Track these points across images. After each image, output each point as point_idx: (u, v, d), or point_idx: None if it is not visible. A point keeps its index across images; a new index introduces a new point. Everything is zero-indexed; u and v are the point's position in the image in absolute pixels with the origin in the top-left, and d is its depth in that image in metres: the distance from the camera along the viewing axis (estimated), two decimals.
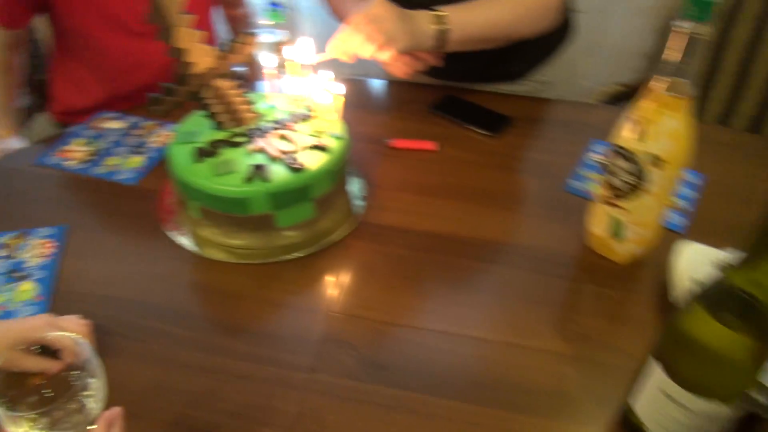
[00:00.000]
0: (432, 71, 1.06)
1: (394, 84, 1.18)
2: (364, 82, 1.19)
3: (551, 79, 1.22)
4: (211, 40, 1.27)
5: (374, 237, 0.84)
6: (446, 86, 1.19)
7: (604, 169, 0.75)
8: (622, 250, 0.78)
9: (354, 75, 1.17)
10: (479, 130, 1.05)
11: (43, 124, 1.83)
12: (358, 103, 1.13)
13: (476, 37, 0.99)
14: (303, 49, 0.85)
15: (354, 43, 0.89)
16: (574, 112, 1.12)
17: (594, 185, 0.83)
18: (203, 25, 1.24)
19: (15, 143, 1.12)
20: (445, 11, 0.96)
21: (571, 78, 1.32)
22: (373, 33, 0.87)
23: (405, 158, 0.99)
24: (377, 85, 1.19)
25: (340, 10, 1.13)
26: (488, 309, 0.74)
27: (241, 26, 0.95)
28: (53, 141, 1.01)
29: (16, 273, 0.75)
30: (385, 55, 0.90)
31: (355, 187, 0.91)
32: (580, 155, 0.99)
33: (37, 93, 1.37)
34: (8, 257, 0.77)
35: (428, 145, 1.01)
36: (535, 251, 0.82)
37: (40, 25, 1.32)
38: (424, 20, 0.94)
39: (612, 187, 0.75)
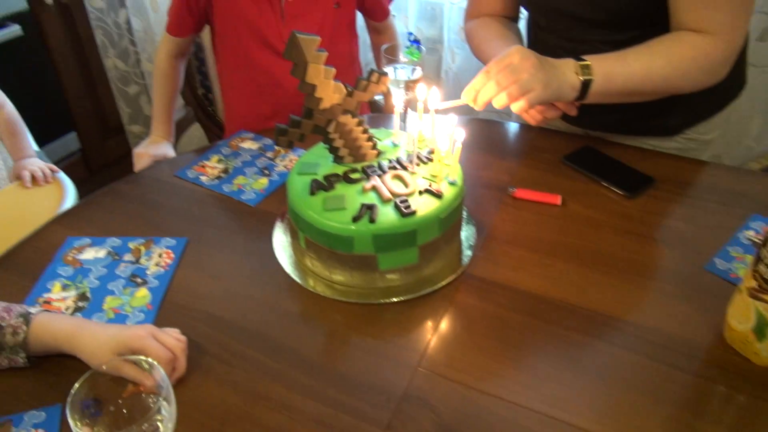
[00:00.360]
0: (571, 118, 0.99)
1: (528, 128, 1.13)
2: (497, 123, 1.15)
3: (710, 137, 1.10)
4: (348, 70, 1.31)
5: (478, 291, 0.79)
6: (585, 136, 1.12)
7: (758, 252, 0.65)
8: (765, 352, 0.67)
9: (486, 116, 1.14)
10: (614, 189, 0.96)
11: (193, 135, 2.01)
12: (486, 145, 1.09)
13: (622, 90, 0.91)
14: (433, 92, 0.84)
15: (487, 91, 0.86)
16: (732, 179, 1.00)
17: (743, 269, 0.72)
18: (341, 57, 1.27)
19: (168, 150, 1.23)
20: (590, 60, 0.89)
21: (736, 139, 1.18)
22: (508, 84, 0.84)
23: (526, 209, 0.93)
24: (510, 127, 1.15)
25: (483, 51, 1.10)
26: (592, 394, 0.67)
27: (388, 57, 0.95)
28: (196, 155, 1.08)
29: (137, 278, 0.81)
30: (518, 107, 0.86)
31: (467, 233, 0.88)
32: (731, 230, 0.87)
33: (195, 105, 1.50)
34: (133, 262, 0.84)
35: (553, 198, 0.94)
36: (658, 335, 0.72)
37: (206, 42, 1.45)
38: (567, 70, 0.89)
39: (763, 277, 0.64)
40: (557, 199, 0.94)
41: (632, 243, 0.87)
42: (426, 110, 0.85)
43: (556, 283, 0.80)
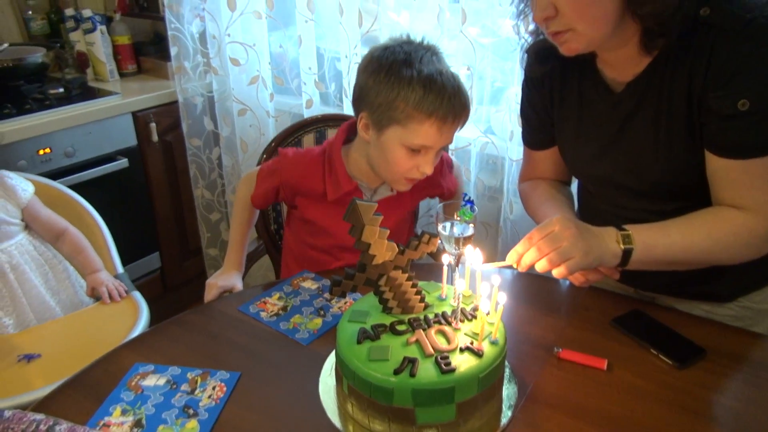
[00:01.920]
0: (623, 277, 1.02)
1: (576, 286, 1.15)
2: (546, 279, 1.18)
3: (766, 307, 1.08)
4: (402, 234, 1.39)
5: None
6: (634, 298, 1.13)
7: None
8: None
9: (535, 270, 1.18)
10: (663, 357, 0.95)
11: (262, 269, 2.13)
12: (533, 301, 1.12)
13: (663, 260, 0.94)
14: (479, 253, 0.90)
15: (529, 256, 0.91)
16: None
17: None
18: (399, 235, 1.34)
19: (236, 282, 1.33)
20: (631, 230, 0.93)
21: None
22: (549, 251, 0.89)
23: (570, 371, 0.93)
24: (558, 284, 1.17)
25: (535, 212, 1.17)
26: None
27: (444, 214, 1.03)
28: (261, 290, 1.17)
29: (189, 409, 0.86)
30: (558, 272, 0.90)
31: (509, 392, 0.89)
32: None
33: (266, 239, 1.62)
34: (189, 393, 0.89)
35: (598, 362, 0.94)
36: None
37: None
38: (608, 238, 0.93)
39: None
40: (603, 364, 0.94)
41: (680, 418, 0.84)
42: (472, 269, 0.90)
43: None
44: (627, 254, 0.92)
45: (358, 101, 1.19)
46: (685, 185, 0.99)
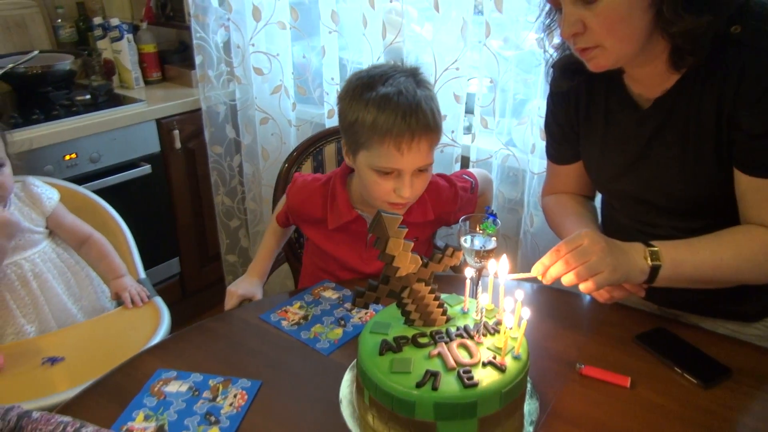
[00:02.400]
0: (648, 294, 1.01)
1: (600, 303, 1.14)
2: (569, 294, 1.17)
3: None
4: (427, 248, 1.38)
5: None
6: (659, 315, 1.12)
7: None
8: None
9: (558, 285, 1.17)
10: (688, 376, 0.94)
11: (280, 276, 2.14)
12: (556, 316, 1.11)
13: (691, 278, 0.93)
14: (502, 262, 0.89)
15: (557, 269, 0.90)
16: None
17: None
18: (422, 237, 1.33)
19: (256, 291, 1.34)
20: (659, 246, 0.93)
21: None
22: (577, 264, 0.88)
23: (592, 388, 0.93)
24: (582, 299, 1.16)
25: (558, 226, 1.16)
26: None
27: (466, 227, 1.03)
28: (282, 299, 1.18)
29: (211, 417, 0.87)
30: (586, 287, 0.89)
31: (530, 407, 0.88)
32: None
33: (286, 248, 1.62)
34: (210, 400, 0.90)
35: (621, 380, 0.93)
36: None
37: None
38: (636, 254, 0.92)
39: None
40: (626, 381, 0.93)
41: None
42: (495, 282, 0.90)
43: None
44: (654, 271, 0.91)
45: (339, 128, 1.20)
46: (711, 203, 0.98)
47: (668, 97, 0.95)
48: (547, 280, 0.93)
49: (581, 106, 1.09)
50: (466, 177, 1.33)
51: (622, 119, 1.03)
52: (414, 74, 1.13)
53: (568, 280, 0.90)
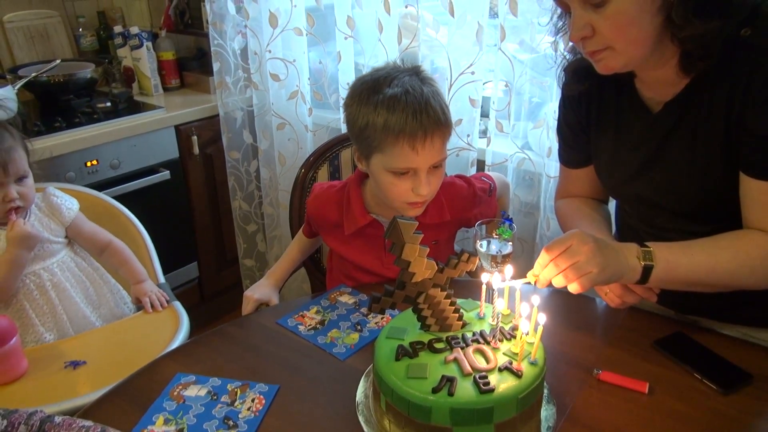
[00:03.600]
0: (663, 299, 1.00)
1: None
2: (586, 299, 1.17)
3: None
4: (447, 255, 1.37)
5: None
6: (678, 320, 1.11)
7: None
8: None
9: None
10: (707, 382, 0.93)
11: (297, 281, 2.15)
12: (573, 321, 1.11)
13: (686, 280, 0.92)
14: (507, 272, 0.90)
15: (547, 272, 0.90)
16: None
17: None
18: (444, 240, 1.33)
19: (272, 296, 1.35)
20: (653, 247, 0.92)
21: None
22: (566, 266, 0.88)
23: (609, 394, 0.92)
24: (600, 304, 1.16)
25: (567, 226, 1.16)
26: None
27: (482, 232, 1.03)
28: (299, 304, 1.19)
29: (229, 421, 0.88)
30: (574, 288, 0.89)
31: (547, 413, 0.88)
32: None
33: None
34: (229, 404, 0.91)
35: (639, 385, 0.93)
36: None
37: None
38: (628, 254, 0.92)
39: None
40: (644, 387, 0.92)
41: None
42: (511, 287, 0.90)
43: None
44: (647, 271, 0.91)
45: (348, 134, 1.20)
46: (721, 207, 0.97)
47: (678, 100, 0.95)
48: (540, 285, 0.93)
49: (592, 110, 1.09)
50: (485, 179, 1.33)
51: (633, 123, 1.03)
52: (417, 72, 1.14)
53: (558, 282, 0.90)
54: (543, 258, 0.92)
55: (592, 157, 1.15)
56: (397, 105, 1.07)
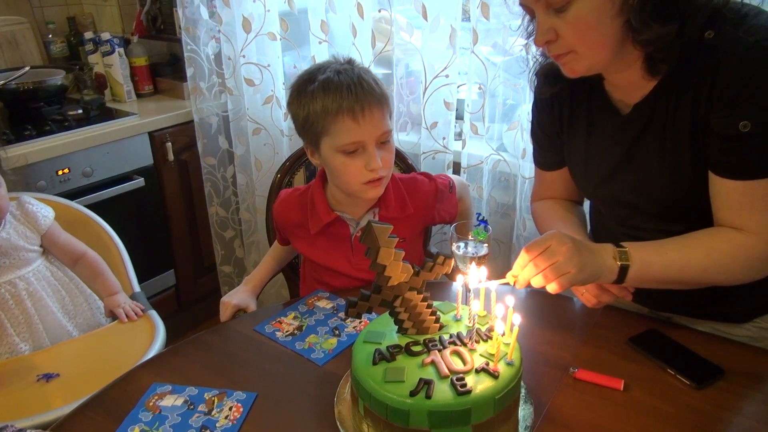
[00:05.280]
0: (637, 296, 1.02)
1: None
2: (563, 298, 1.18)
3: None
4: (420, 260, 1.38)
5: None
6: (652, 317, 1.12)
7: None
8: None
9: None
10: (680, 377, 0.95)
11: (275, 286, 2.13)
12: (549, 320, 1.12)
13: (661, 278, 0.95)
14: (481, 272, 0.90)
15: (526, 273, 0.91)
16: None
17: None
18: (412, 244, 1.34)
19: (250, 302, 1.34)
20: (628, 247, 0.94)
21: None
22: (544, 266, 0.89)
23: (586, 392, 0.93)
24: (576, 303, 1.17)
25: (544, 228, 1.17)
26: None
27: (457, 234, 1.04)
28: (276, 310, 1.18)
29: (206, 430, 0.87)
30: (552, 288, 0.90)
31: (524, 413, 0.88)
32: None
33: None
34: (206, 413, 0.90)
35: (615, 383, 0.94)
36: None
37: None
38: (605, 254, 0.94)
39: None
40: (619, 384, 0.93)
41: None
42: (487, 288, 0.91)
43: None
44: (623, 271, 0.93)
45: (297, 133, 1.23)
46: (693, 206, 0.99)
47: (646, 102, 0.96)
48: (519, 285, 0.94)
49: (564, 113, 1.10)
50: (443, 178, 1.36)
51: (604, 125, 1.04)
52: (349, 62, 1.19)
53: (536, 282, 0.92)
54: (522, 258, 0.93)
55: (566, 160, 1.16)
56: (330, 85, 1.12)
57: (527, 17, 0.99)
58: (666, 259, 0.94)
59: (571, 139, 1.11)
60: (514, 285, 0.94)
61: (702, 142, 0.92)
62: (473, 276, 0.90)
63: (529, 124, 1.54)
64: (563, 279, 0.89)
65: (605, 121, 1.04)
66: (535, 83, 1.11)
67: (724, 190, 0.92)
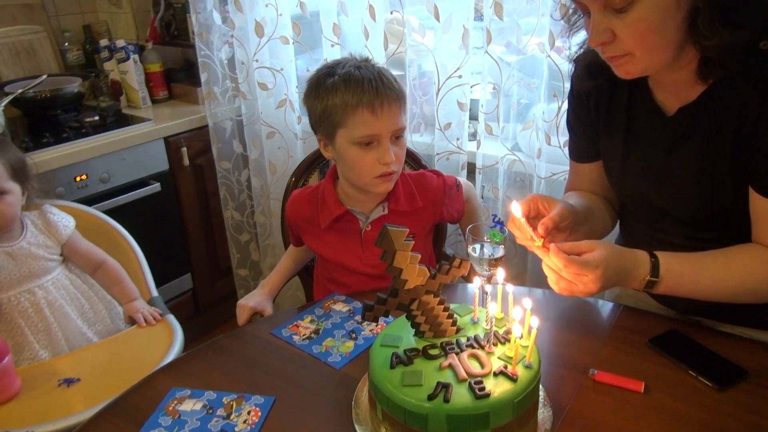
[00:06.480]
0: (661, 298, 1.01)
1: (613, 306, 1.13)
2: (580, 300, 1.17)
3: None
4: (430, 259, 1.39)
5: None
6: (673, 318, 1.11)
7: None
8: None
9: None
10: (702, 379, 0.93)
11: (291, 289, 2.14)
12: (569, 322, 1.11)
13: (691, 293, 0.94)
14: (498, 272, 0.90)
15: (551, 276, 0.93)
16: None
17: None
18: (422, 246, 1.34)
19: (266, 306, 1.34)
20: (662, 258, 0.93)
21: None
22: (567, 284, 0.91)
23: (605, 394, 0.92)
24: (593, 305, 1.16)
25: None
26: None
27: (473, 236, 1.04)
28: (294, 314, 1.18)
29: None
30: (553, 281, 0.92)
31: (543, 416, 0.88)
32: None
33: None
34: (225, 418, 0.90)
35: (635, 385, 0.93)
36: None
37: None
38: (633, 281, 0.94)
39: None
40: (640, 386, 0.92)
41: None
42: (504, 290, 0.90)
43: None
44: (650, 284, 0.94)
45: (311, 127, 1.26)
46: (726, 216, 0.97)
47: (693, 107, 0.93)
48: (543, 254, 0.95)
49: (602, 108, 1.07)
50: (449, 177, 1.38)
51: (645, 124, 1.01)
52: (366, 59, 1.22)
53: (554, 286, 0.94)
54: (555, 259, 0.91)
55: (600, 153, 1.14)
56: (351, 78, 1.16)
57: (571, 8, 0.95)
58: (700, 276, 0.94)
59: (608, 131, 1.08)
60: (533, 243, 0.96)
61: (745, 156, 0.89)
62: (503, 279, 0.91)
63: (544, 124, 1.53)
64: (579, 294, 0.91)
65: (646, 120, 1.01)
66: (573, 70, 1.08)
67: (765, 210, 0.90)
